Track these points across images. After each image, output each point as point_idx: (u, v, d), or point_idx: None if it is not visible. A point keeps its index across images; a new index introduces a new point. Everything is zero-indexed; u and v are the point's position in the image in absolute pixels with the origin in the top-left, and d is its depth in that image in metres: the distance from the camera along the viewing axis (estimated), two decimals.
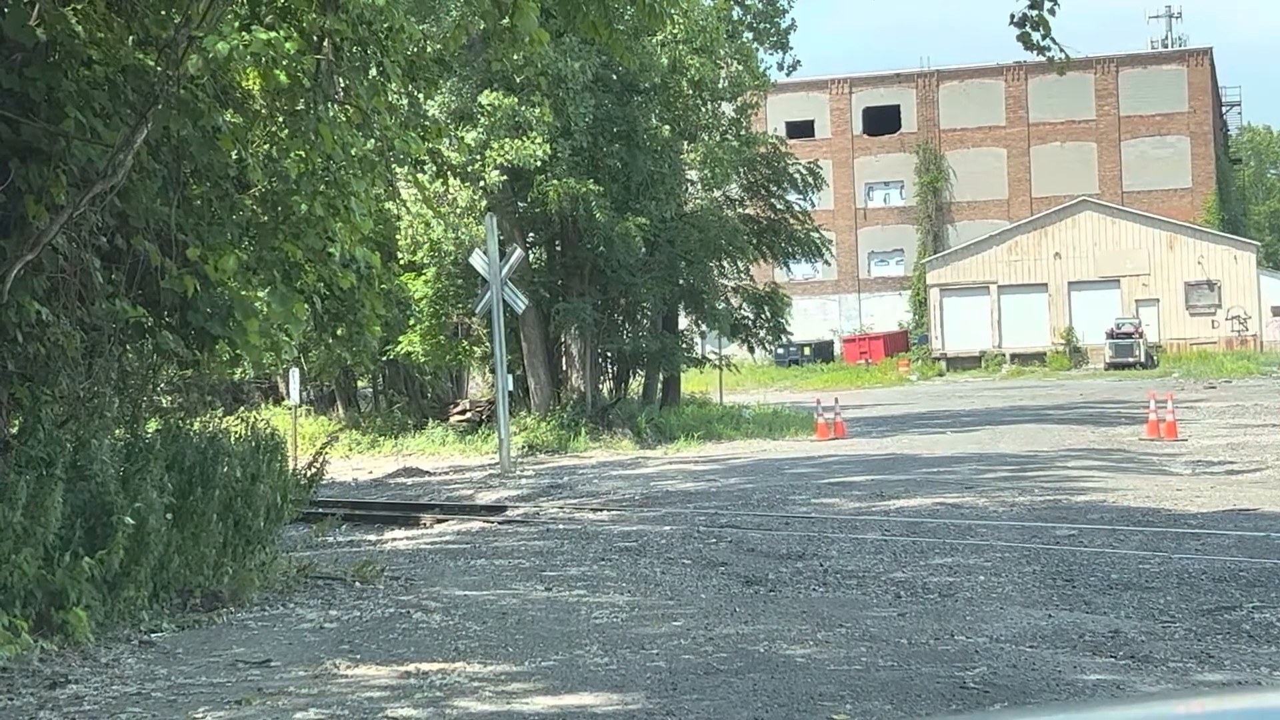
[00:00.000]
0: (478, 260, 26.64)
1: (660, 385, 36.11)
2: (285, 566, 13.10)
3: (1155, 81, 73.74)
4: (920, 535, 15.07)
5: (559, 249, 34.30)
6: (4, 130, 10.23)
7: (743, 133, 35.57)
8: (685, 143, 33.84)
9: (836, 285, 75.50)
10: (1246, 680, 8.47)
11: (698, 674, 8.73)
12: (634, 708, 7.99)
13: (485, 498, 21.54)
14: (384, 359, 33.02)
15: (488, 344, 31.21)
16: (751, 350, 40.04)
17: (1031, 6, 11.27)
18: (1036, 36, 11.33)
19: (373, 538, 17.24)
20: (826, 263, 46.20)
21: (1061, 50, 11.43)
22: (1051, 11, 11.24)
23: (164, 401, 14.03)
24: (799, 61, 39.65)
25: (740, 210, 36.94)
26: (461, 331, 34.43)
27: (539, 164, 28.89)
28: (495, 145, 28.68)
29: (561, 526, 17.34)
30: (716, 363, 37.89)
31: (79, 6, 10.62)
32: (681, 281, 33.86)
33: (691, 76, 31.55)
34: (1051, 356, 63.40)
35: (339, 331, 14.97)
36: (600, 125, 30.85)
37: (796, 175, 37.34)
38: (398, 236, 30.08)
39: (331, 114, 11.85)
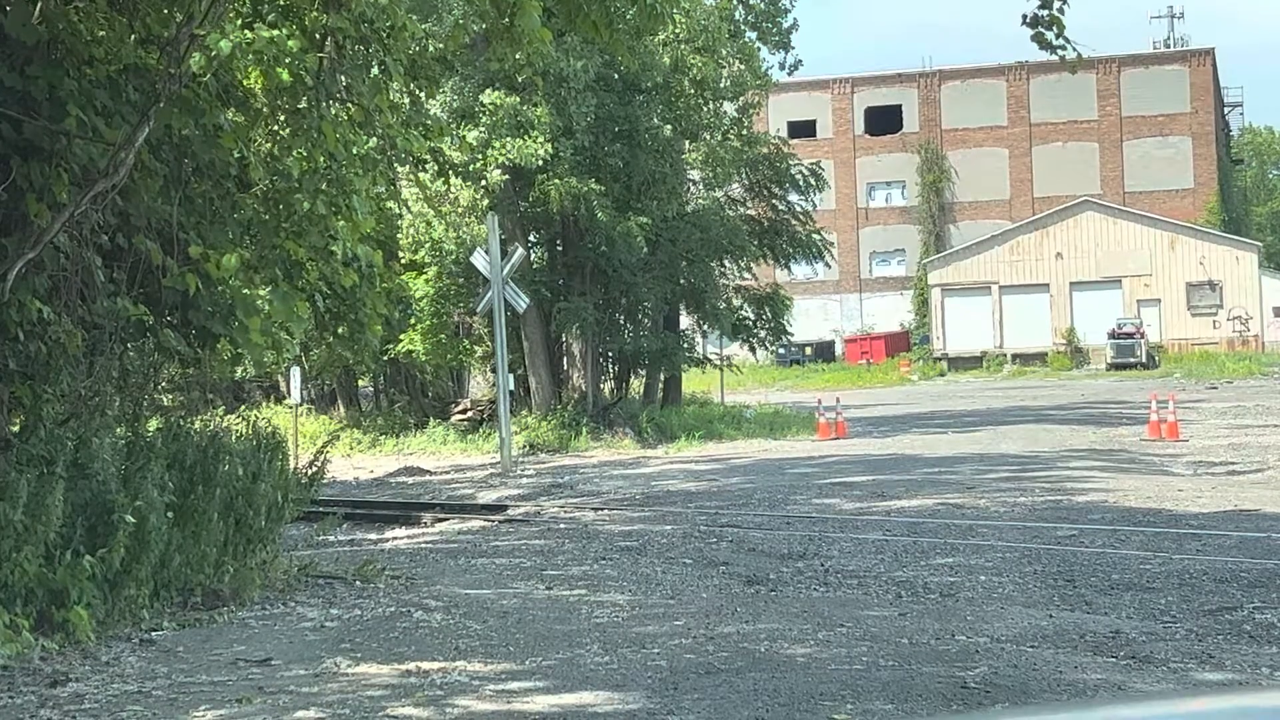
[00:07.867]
0: (479, 259, 26.64)
1: (661, 385, 36.10)
2: (286, 565, 13.10)
3: (1157, 82, 73.70)
4: (921, 535, 15.06)
5: (560, 248, 34.30)
6: (6, 128, 10.23)
7: (744, 132, 35.56)
8: (687, 142, 33.84)
9: (838, 285, 75.47)
10: (1247, 680, 8.47)
11: (698, 673, 8.73)
12: (634, 707, 7.99)
13: (486, 497, 21.54)
14: (385, 358, 32.98)
15: (489, 343, 31.21)
16: (753, 350, 40.04)
17: (1042, 6, 11.22)
18: (1050, 36, 11.29)
19: (374, 537, 17.24)
20: (828, 264, 46.16)
21: (1075, 49, 11.38)
22: (1061, 11, 11.20)
23: (165, 400, 14.05)
24: (801, 61, 39.57)
25: (742, 210, 36.92)
26: (463, 331, 34.43)
27: (541, 163, 28.91)
28: (497, 144, 28.69)
29: (562, 526, 17.34)
30: (718, 363, 37.88)
31: (81, 5, 10.61)
32: (683, 281, 33.84)
33: (693, 76, 31.55)
34: (1053, 357, 63.36)
35: (340, 330, 14.96)
36: (602, 125, 30.85)
37: (798, 176, 37.31)
38: (399, 235, 30.05)
39: (334, 112, 11.86)
